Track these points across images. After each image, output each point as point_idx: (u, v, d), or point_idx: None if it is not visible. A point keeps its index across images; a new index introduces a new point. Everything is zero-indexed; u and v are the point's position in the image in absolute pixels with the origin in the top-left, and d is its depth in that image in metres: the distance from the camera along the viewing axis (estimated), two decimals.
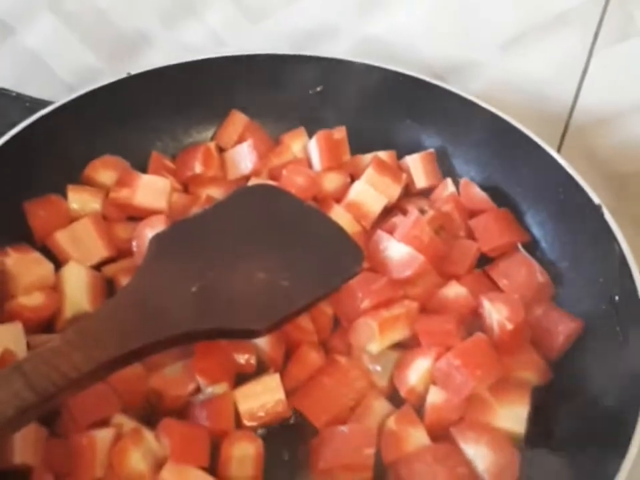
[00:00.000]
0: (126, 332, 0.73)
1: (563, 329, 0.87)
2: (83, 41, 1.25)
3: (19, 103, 1.31)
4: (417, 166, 1.04)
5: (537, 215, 0.99)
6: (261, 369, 0.86)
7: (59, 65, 1.30)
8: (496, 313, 0.85)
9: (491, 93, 1.07)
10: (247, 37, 1.17)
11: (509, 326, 0.84)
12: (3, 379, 0.66)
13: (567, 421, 0.81)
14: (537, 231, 0.99)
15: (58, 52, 1.28)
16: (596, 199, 0.89)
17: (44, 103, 1.26)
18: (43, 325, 0.88)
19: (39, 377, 0.66)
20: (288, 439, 0.82)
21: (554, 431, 0.82)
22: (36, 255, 0.90)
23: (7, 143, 0.92)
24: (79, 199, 0.97)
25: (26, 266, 0.89)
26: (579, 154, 1.09)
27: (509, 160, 1.01)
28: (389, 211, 1.01)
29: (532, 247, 0.98)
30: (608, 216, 0.87)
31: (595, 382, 0.82)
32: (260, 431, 0.82)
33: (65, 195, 0.97)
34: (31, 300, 0.87)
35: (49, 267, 0.90)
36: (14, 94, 1.32)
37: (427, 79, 1.04)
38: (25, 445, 0.74)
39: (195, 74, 1.06)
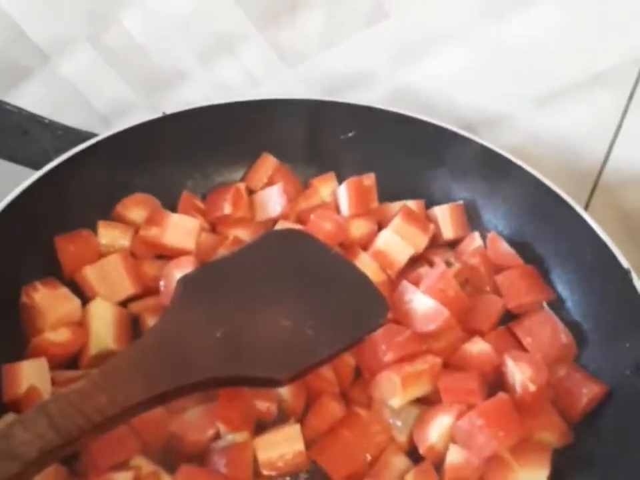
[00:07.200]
0: (151, 376, 0.73)
1: (585, 391, 0.86)
2: (119, 74, 1.27)
3: (51, 131, 1.31)
4: (445, 217, 1.04)
5: (564, 273, 0.98)
6: (280, 417, 0.85)
7: (94, 95, 1.31)
8: (519, 373, 0.85)
9: (522, 147, 1.08)
10: (282, 79, 1.18)
11: (532, 387, 0.83)
12: (28, 420, 0.66)
13: None
14: (562, 290, 0.97)
15: (94, 83, 1.30)
16: (625, 263, 0.88)
17: (76, 132, 1.27)
18: (67, 360, 0.88)
19: (64, 419, 0.67)
20: None
21: None
22: (64, 291, 0.91)
23: (42, 176, 0.93)
24: (109, 235, 0.98)
25: (54, 301, 0.89)
26: (607, 212, 1.09)
27: (537, 216, 1.00)
28: (415, 260, 1.01)
29: (557, 305, 0.97)
30: (636, 280, 0.86)
31: (616, 448, 0.81)
32: None
33: (95, 231, 0.98)
34: (58, 336, 0.87)
35: (76, 302, 0.91)
36: (47, 121, 1.33)
37: (459, 131, 1.04)
38: None
39: (229, 115, 1.07)
